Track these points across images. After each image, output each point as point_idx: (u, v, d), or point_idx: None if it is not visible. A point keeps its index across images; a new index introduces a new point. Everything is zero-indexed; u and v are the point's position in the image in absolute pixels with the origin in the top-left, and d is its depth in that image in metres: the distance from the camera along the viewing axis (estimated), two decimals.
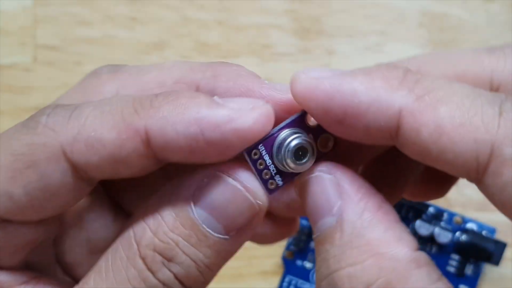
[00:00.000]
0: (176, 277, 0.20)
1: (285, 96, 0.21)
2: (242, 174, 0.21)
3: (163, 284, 0.20)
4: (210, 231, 0.20)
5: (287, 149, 0.20)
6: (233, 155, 0.20)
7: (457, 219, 0.50)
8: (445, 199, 0.51)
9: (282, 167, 0.21)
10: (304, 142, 0.21)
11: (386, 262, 0.18)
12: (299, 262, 0.50)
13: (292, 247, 0.50)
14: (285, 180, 0.21)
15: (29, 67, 0.52)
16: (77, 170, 0.20)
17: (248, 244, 0.53)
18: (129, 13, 0.54)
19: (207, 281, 0.21)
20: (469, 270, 0.49)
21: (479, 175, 0.17)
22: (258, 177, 0.21)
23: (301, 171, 0.21)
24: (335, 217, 0.20)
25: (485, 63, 0.21)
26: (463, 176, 0.18)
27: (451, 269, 0.49)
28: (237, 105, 0.20)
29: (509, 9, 0.54)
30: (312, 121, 0.21)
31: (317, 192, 0.20)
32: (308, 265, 0.50)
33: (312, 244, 0.50)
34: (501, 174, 0.17)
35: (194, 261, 0.20)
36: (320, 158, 0.21)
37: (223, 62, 0.23)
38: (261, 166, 0.21)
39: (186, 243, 0.20)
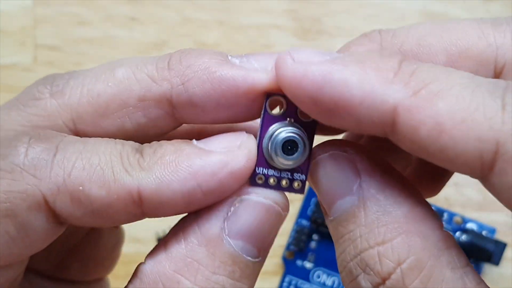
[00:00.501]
0: None
1: (267, 77, 0.20)
2: (264, 191, 0.20)
3: None
4: (249, 258, 0.19)
5: (275, 150, 0.20)
6: (227, 195, 0.19)
7: (457, 219, 0.50)
8: (445, 199, 0.51)
9: (282, 166, 0.20)
10: (289, 135, 0.20)
11: (416, 240, 0.17)
12: (299, 262, 0.50)
13: (292, 247, 0.50)
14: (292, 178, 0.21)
15: (29, 67, 0.52)
16: (56, 217, 0.19)
17: None
18: (129, 13, 0.54)
19: None
20: None
21: (484, 173, 0.16)
22: (275, 189, 0.20)
23: (298, 164, 0.20)
24: (355, 196, 0.19)
25: (490, 39, 0.19)
26: (466, 174, 0.17)
27: None
28: (223, 145, 0.19)
29: (509, 9, 0.54)
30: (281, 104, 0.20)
31: (333, 172, 0.19)
32: (308, 265, 0.50)
33: (312, 244, 0.50)
34: (508, 173, 0.16)
35: None
36: (307, 128, 0.20)
37: (183, 51, 0.21)
38: (269, 180, 0.20)
39: (232, 280, 0.19)
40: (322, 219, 0.49)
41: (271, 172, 0.20)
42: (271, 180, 0.20)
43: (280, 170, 0.20)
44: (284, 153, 0.20)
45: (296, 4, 0.54)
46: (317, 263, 0.50)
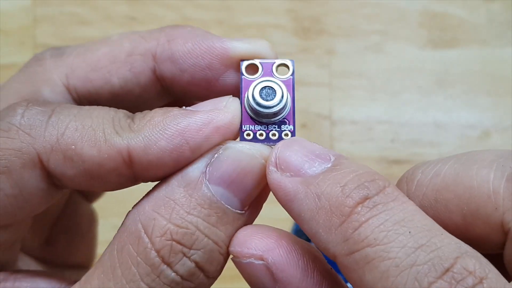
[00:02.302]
0: (197, 266, 0.19)
1: (247, 47, 0.21)
2: (250, 143, 0.20)
3: (182, 277, 0.19)
4: (229, 207, 0.20)
5: (254, 100, 0.21)
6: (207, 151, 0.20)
7: None
8: None
9: (265, 118, 0.21)
10: (265, 84, 0.21)
11: None
12: None
13: None
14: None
15: None
16: (51, 177, 0.20)
17: None
18: (128, 13, 0.54)
19: (225, 262, 0.20)
20: None
21: None
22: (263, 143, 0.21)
23: (279, 108, 0.21)
24: None
25: (498, 201, 0.18)
26: None
27: None
28: (210, 106, 0.20)
29: (509, 8, 0.54)
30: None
31: (251, 278, 0.20)
32: None
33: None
34: None
35: (216, 243, 0.19)
36: (285, 83, 0.21)
37: (175, 25, 0.23)
38: (257, 135, 0.21)
39: (207, 223, 0.19)
40: None
41: (258, 127, 0.21)
42: (259, 135, 0.21)
43: (267, 124, 0.21)
44: (263, 99, 0.21)
45: (296, 4, 0.54)
46: None
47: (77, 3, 0.54)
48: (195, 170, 0.20)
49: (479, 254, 0.17)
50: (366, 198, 0.18)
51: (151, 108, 0.21)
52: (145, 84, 0.22)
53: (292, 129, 0.21)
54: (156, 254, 0.19)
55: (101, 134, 0.19)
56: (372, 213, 0.17)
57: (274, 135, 0.21)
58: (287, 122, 0.21)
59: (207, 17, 0.54)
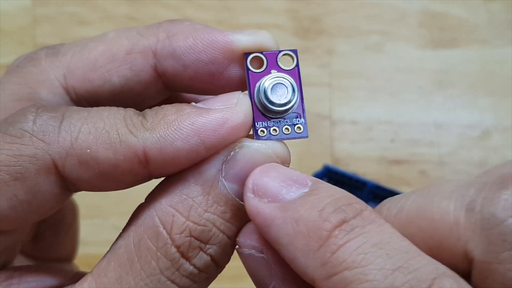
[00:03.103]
0: (212, 259, 0.20)
1: (246, 38, 0.21)
2: (266, 142, 0.21)
3: (199, 269, 0.20)
4: (242, 202, 0.20)
5: (266, 98, 0.21)
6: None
7: None
8: None
9: (277, 114, 0.21)
10: (274, 80, 0.21)
11: None
12: None
13: None
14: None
15: None
16: (65, 182, 0.20)
17: None
18: (128, 13, 0.54)
19: (233, 252, 0.21)
20: None
21: None
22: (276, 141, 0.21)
23: (291, 105, 0.21)
24: None
25: (460, 231, 0.18)
26: None
27: None
28: (221, 103, 0.20)
29: (509, 8, 0.54)
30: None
31: (251, 269, 0.20)
32: None
33: None
34: None
35: (229, 237, 0.20)
36: (291, 74, 0.21)
37: (173, 19, 0.22)
38: (270, 131, 0.21)
39: (222, 220, 0.20)
40: None
41: (271, 123, 0.21)
42: (273, 130, 0.21)
43: (279, 120, 0.21)
44: (275, 98, 0.21)
45: (296, 4, 0.54)
46: None
47: (77, 3, 0.54)
48: (211, 168, 0.20)
49: (456, 275, 0.17)
50: (344, 221, 0.18)
51: (151, 104, 0.21)
52: (146, 82, 0.22)
53: (304, 122, 0.22)
54: (176, 249, 0.19)
55: (116, 136, 0.19)
56: (350, 236, 0.18)
57: (287, 129, 0.21)
58: (298, 115, 0.22)
59: (207, 17, 0.54)
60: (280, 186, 0.19)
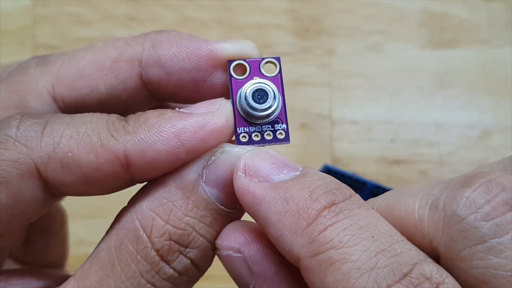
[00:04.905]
0: (192, 262, 0.20)
1: (230, 46, 0.22)
2: (246, 147, 0.21)
3: (179, 273, 0.20)
4: (222, 207, 0.20)
5: (247, 103, 0.21)
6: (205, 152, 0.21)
7: None
8: None
9: (258, 120, 0.21)
10: (256, 86, 0.21)
11: None
12: None
13: None
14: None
15: None
16: (48, 186, 0.20)
17: None
18: (128, 13, 0.54)
19: (215, 256, 0.21)
20: None
21: None
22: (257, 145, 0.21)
23: (272, 110, 0.21)
24: None
25: (424, 229, 0.19)
26: None
27: None
28: (203, 109, 0.20)
29: (509, 8, 0.54)
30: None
31: (231, 270, 0.20)
32: None
33: None
34: None
35: (209, 241, 0.20)
36: (273, 81, 0.22)
37: (159, 30, 0.23)
38: (252, 136, 0.22)
39: (202, 224, 0.20)
40: None
41: (252, 129, 0.21)
42: (254, 136, 0.21)
43: (261, 125, 0.21)
44: (256, 103, 0.21)
45: (296, 4, 0.54)
46: None
47: (77, 3, 0.54)
48: (192, 173, 0.20)
49: (436, 263, 0.17)
50: (333, 203, 0.18)
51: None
52: (131, 90, 0.23)
53: (286, 127, 0.22)
54: (156, 253, 0.20)
55: (97, 139, 0.19)
56: (338, 218, 0.18)
57: (268, 135, 0.22)
58: (280, 121, 0.22)
59: (207, 17, 0.54)
60: (271, 168, 0.20)
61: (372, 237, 0.17)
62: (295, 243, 0.18)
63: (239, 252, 0.20)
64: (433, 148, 0.50)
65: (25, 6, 0.53)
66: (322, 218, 0.18)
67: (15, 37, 0.53)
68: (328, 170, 0.50)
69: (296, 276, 0.19)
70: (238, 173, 0.20)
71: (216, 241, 0.20)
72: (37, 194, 0.20)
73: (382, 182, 0.51)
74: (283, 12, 0.54)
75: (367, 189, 0.50)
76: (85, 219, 0.50)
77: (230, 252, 0.20)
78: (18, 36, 0.53)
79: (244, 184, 0.19)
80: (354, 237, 0.18)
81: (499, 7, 0.54)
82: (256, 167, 0.20)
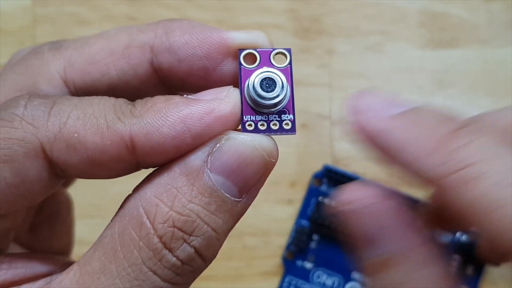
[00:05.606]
0: (196, 251, 0.20)
1: (244, 36, 0.22)
2: (252, 135, 0.21)
3: (182, 262, 0.20)
4: (228, 195, 0.20)
5: (255, 91, 0.21)
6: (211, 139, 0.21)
7: None
8: None
9: (265, 109, 0.21)
10: (264, 74, 0.21)
11: None
12: (299, 263, 0.50)
13: (292, 247, 0.50)
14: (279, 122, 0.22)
15: None
16: (53, 167, 0.20)
17: (248, 244, 0.53)
18: (128, 13, 0.54)
19: (219, 248, 0.21)
20: (469, 270, 0.49)
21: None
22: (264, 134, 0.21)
23: (279, 99, 0.21)
24: None
25: None
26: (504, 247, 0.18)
27: (452, 270, 0.49)
28: (211, 96, 0.21)
29: (509, 8, 0.54)
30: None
31: (356, 226, 0.21)
32: (308, 265, 0.50)
33: (312, 245, 0.50)
34: None
35: (214, 230, 0.20)
36: (283, 72, 0.22)
37: (172, 18, 0.23)
38: (258, 125, 0.22)
39: (207, 212, 0.20)
40: (322, 219, 0.49)
41: (259, 117, 0.21)
42: (260, 125, 0.21)
43: (268, 115, 0.21)
44: (263, 91, 0.21)
45: (296, 4, 0.54)
46: (317, 264, 0.50)
47: (77, 3, 0.54)
48: (197, 159, 0.20)
49: None
50: (463, 125, 0.19)
51: None
52: (142, 76, 0.23)
53: (292, 118, 0.22)
54: (158, 240, 0.19)
55: (103, 121, 0.20)
56: (472, 137, 0.18)
57: (275, 125, 0.21)
58: (287, 111, 0.22)
59: (207, 17, 0.54)
60: (388, 103, 0.21)
61: (509, 153, 0.18)
62: (431, 164, 0.19)
63: (364, 202, 0.21)
64: None
65: (25, 6, 0.53)
66: (457, 137, 0.19)
67: (15, 37, 0.53)
68: (328, 170, 0.50)
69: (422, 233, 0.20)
70: (355, 112, 0.21)
71: (338, 199, 0.21)
72: (42, 174, 0.20)
73: (382, 182, 0.51)
74: (283, 12, 0.54)
75: None
76: (85, 219, 0.50)
77: (355, 206, 0.21)
78: (18, 36, 0.53)
79: (369, 118, 0.20)
80: (491, 153, 0.18)
81: (499, 7, 0.54)
82: (373, 105, 0.21)
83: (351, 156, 0.52)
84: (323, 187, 0.51)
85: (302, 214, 0.50)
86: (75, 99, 0.20)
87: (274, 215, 0.51)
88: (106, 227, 0.21)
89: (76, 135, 0.19)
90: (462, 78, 0.53)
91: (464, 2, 0.54)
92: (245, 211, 0.21)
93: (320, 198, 0.50)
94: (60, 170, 0.20)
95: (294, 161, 0.51)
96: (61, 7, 0.54)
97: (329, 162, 0.52)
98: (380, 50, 0.54)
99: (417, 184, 0.20)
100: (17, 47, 0.53)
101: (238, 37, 0.22)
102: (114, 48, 0.23)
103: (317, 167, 0.51)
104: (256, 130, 0.21)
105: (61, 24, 0.53)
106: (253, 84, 0.21)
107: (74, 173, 0.20)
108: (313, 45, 0.53)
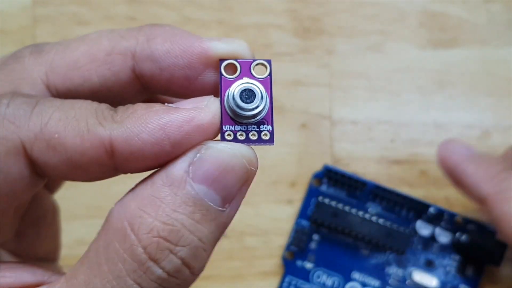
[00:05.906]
0: (183, 262, 0.20)
1: (222, 46, 0.22)
2: (231, 143, 0.21)
3: (168, 273, 0.20)
4: (211, 204, 0.20)
5: (234, 102, 0.21)
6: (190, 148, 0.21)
7: (457, 219, 0.49)
8: (446, 199, 0.51)
9: (244, 119, 0.22)
10: (244, 86, 0.22)
11: None
12: (299, 263, 0.50)
13: (292, 247, 0.50)
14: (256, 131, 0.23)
15: None
16: (34, 166, 0.20)
17: (248, 244, 0.53)
18: (128, 13, 0.54)
19: (207, 260, 0.21)
20: (469, 270, 0.49)
21: None
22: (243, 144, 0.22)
23: (258, 110, 0.22)
24: None
25: None
26: None
27: (452, 270, 0.49)
28: (192, 105, 0.21)
29: (509, 8, 0.54)
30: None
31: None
32: (308, 265, 0.50)
33: (312, 245, 0.50)
34: None
35: (200, 239, 0.20)
36: (263, 83, 0.22)
37: (154, 24, 0.23)
38: (237, 135, 0.22)
39: (191, 220, 0.20)
40: (322, 219, 0.49)
41: (238, 128, 0.22)
42: (240, 135, 0.22)
43: (247, 125, 0.22)
44: (243, 102, 0.21)
45: (296, 4, 0.54)
46: (317, 264, 0.50)
47: (77, 3, 0.54)
48: (178, 169, 0.20)
49: None
50: (508, 167, 0.33)
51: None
52: (124, 82, 0.23)
53: (271, 129, 0.22)
54: (143, 250, 0.19)
55: (84, 124, 0.20)
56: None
57: (253, 135, 0.22)
58: (266, 122, 0.22)
59: (207, 17, 0.54)
60: (467, 148, 0.40)
61: None
62: (485, 187, 0.35)
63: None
64: (433, 148, 0.50)
65: (25, 6, 0.53)
66: (502, 173, 0.34)
67: (15, 37, 0.53)
68: (328, 170, 0.50)
69: None
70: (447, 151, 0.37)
71: (441, 145, 0.39)
72: (23, 172, 0.20)
73: (382, 182, 0.51)
74: (283, 12, 0.54)
75: (367, 189, 0.50)
76: (85, 219, 0.50)
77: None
78: (18, 36, 0.53)
79: (446, 153, 0.37)
80: None
81: (499, 7, 0.54)
82: (459, 144, 0.39)
83: (351, 156, 0.52)
84: (323, 187, 0.51)
85: (302, 214, 0.50)
86: (58, 101, 0.21)
87: (274, 215, 0.51)
88: (92, 241, 0.21)
89: (56, 135, 0.20)
90: (462, 78, 0.53)
91: (464, 2, 0.54)
92: (229, 222, 0.21)
93: (320, 198, 0.50)
94: (40, 170, 0.20)
95: (294, 161, 0.51)
96: (61, 7, 0.53)
97: (329, 162, 0.52)
98: (380, 50, 0.54)
99: (471, 201, 0.34)
100: (17, 47, 0.52)
101: (219, 47, 0.22)
102: (96, 54, 0.23)
103: (317, 167, 0.51)
104: (235, 140, 0.22)
105: (61, 24, 0.53)
106: (233, 95, 0.21)
107: (54, 174, 0.21)
108: (313, 45, 0.53)
